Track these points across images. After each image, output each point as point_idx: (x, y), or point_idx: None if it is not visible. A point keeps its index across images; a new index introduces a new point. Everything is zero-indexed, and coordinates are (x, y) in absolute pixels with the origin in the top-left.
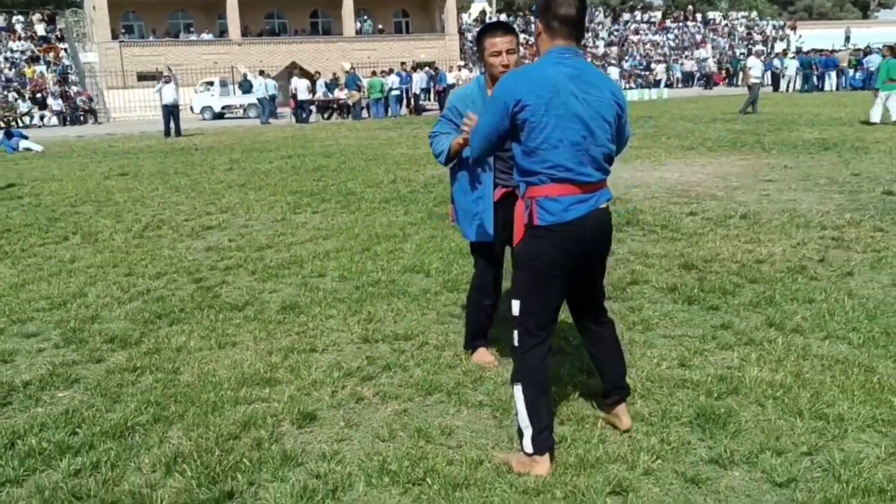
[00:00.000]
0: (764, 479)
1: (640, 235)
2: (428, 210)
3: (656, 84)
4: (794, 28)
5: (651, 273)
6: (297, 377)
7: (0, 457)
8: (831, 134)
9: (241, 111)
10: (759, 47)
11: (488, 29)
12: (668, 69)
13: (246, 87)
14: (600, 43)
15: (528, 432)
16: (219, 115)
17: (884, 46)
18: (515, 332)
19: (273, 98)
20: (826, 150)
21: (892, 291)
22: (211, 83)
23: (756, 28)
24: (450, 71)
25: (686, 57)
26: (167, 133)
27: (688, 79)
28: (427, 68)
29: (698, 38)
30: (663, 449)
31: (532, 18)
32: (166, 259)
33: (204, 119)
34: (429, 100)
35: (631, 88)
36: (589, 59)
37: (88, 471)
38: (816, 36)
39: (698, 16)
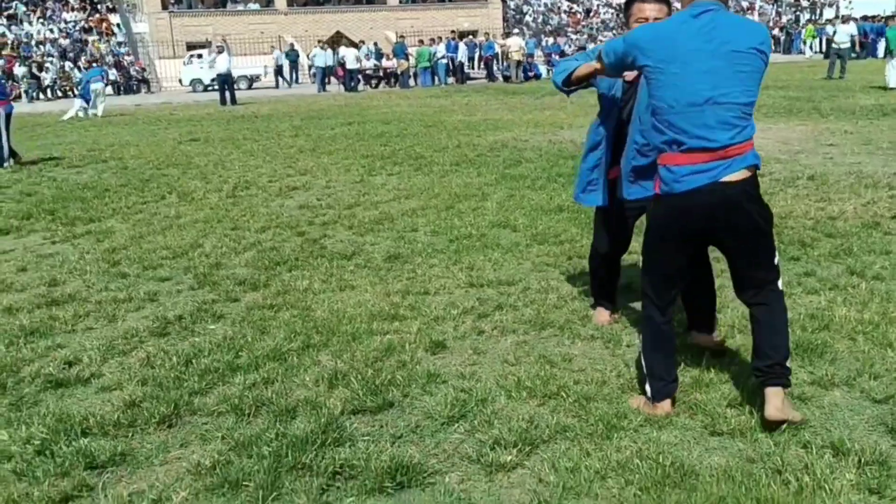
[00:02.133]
0: (863, 398)
1: None
2: (500, 172)
3: None
4: None
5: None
6: (419, 314)
7: (182, 373)
8: (888, 100)
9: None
10: (807, 15)
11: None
12: None
13: (293, 56)
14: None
15: (648, 380)
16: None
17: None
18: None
19: (330, 68)
20: (885, 116)
21: None
22: (200, 55)
23: None
24: (493, 38)
25: None
26: (223, 101)
27: None
28: (470, 37)
29: (745, 4)
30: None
31: None
32: (265, 215)
33: (195, 91)
34: (473, 68)
35: None
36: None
37: (261, 385)
38: (866, 2)
39: None
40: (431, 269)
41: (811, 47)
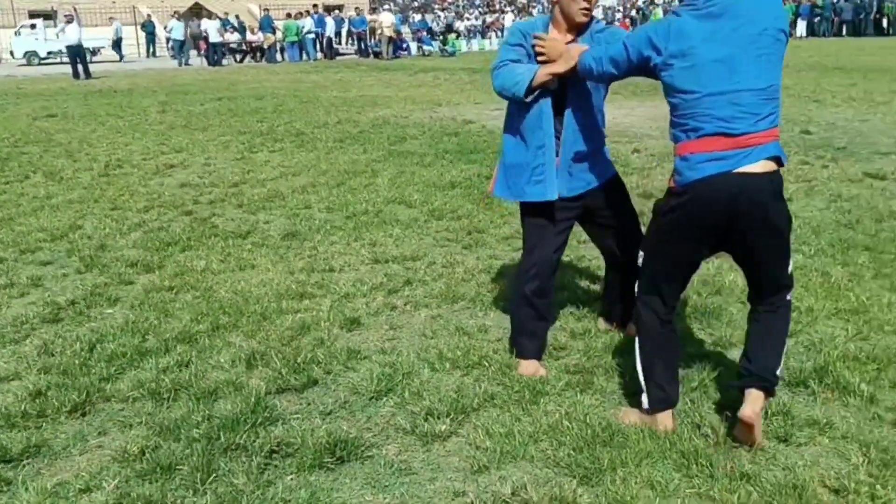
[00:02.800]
0: None
1: None
2: (386, 149)
3: None
4: None
5: None
6: (328, 292)
7: (87, 360)
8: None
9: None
10: None
11: None
12: None
13: (149, 27)
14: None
15: (645, 388)
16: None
17: None
18: (637, 283)
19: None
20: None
21: (828, 213)
22: (34, 25)
23: None
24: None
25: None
26: (76, 75)
27: None
28: (336, 11)
29: None
30: (684, 335)
31: None
32: (145, 195)
33: (30, 65)
34: (340, 43)
35: None
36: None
37: (175, 368)
38: None
39: None
40: (333, 247)
41: None
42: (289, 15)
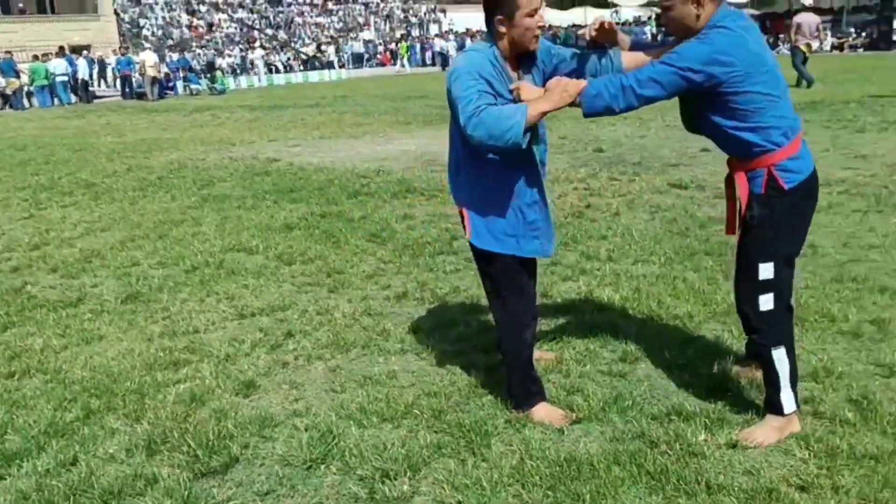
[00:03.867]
0: (670, 366)
1: (425, 200)
2: (196, 194)
3: (329, 66)
4: (444, 11)
5: (458, 227)
6: (204, 355)
7: None
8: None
9: None
10: (416, 31)
11: None
12: (338, 50)
13: None
14: (265, 26)
15: (788, 391)
16: None
17: None
18: (769, 295)
19: None
20: None
21: (656, 224)
22: None
23: (411, 11)
24: (115, 54)
25: (353, 38)
26: None
27: (357, 59)
28: (85, 52)
29: (361, 20)
30: (586, 355)
31: None
32: None
33: None
34: (98, 85)
35: (305, 70)
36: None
37: (60, 469)
38: (463, 18)
39: None
40: (185, 305)
41: (404, 62)
42: (35, 57)
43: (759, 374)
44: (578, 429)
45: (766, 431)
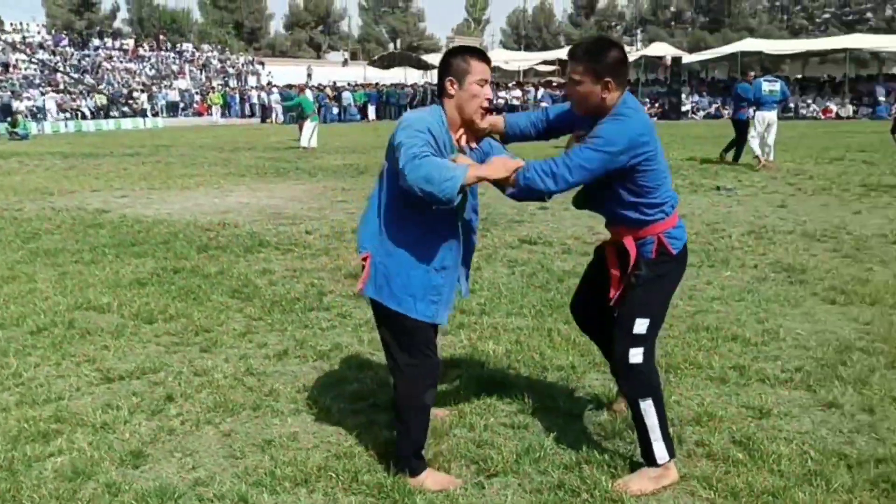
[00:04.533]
0: (562, 415)
1: (281, 254)
2: (22, 248)
3: (143, 113)
4: (262, 63)
5: (324, 282)
6: (77, 424)
7: None
8: (356, 160)
9: None
10: (234, 81)
11: (473, 51)
12: (151, 98)
13: None
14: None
15: (660, 442)
16: None
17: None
18: (640, 349)
19: None
20: (362, 174)
21: (516, 277)
22: None
23: (229, 62)
24: None
25: (167, 87)
26: None
27: (172, 108)
28: None
29: (175, 68)
30: (486, 409)
31: None
32: None
33: None
34: None
35: (116, 117)
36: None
37: None
38: (283, 72)
39: (170, 45)
40: (40, 370)
41: (213, 112)
42: None
43: (622, 408)
44: (497, 482)
45: (641, 482)
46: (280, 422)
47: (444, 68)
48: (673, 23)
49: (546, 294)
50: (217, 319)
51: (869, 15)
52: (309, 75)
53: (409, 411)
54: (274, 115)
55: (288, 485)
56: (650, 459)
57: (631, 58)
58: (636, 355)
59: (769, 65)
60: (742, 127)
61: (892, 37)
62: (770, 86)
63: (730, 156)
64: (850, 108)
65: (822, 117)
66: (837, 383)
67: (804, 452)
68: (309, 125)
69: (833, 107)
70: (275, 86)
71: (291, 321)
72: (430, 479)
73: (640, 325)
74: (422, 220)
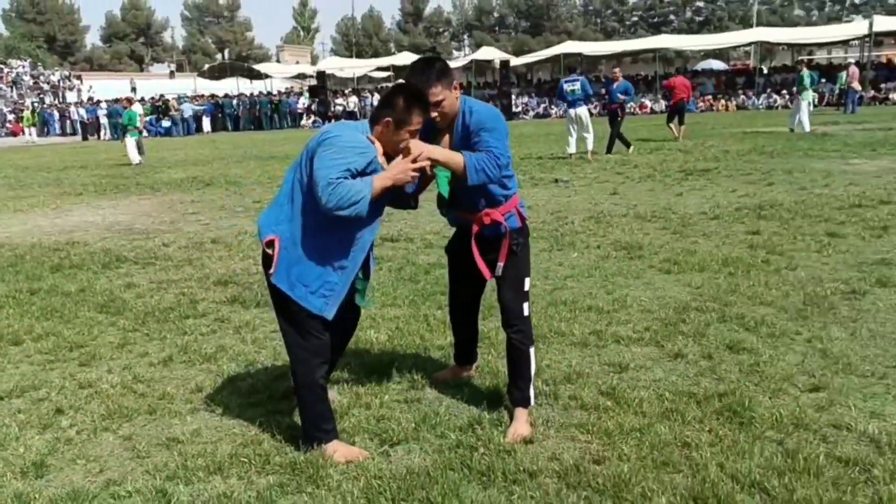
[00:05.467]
0: (447, 387)
1: (142, 268)
2: None
3: None
4: (79, 78)
5: (194, 291)
6: None
7: None
8: (198, 172)
9: None
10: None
11: (421, 101)
12: None
13: None
14: None
15: (532, 385)
16: None
17: None
18: (525, 304)
19: None
20: (208, 186)
21: (384, 272)
22: None
23: (42, 77)
24: None
25: None
26: None
27: None
28: None
29: None
30: (379, 389)
31: None
32: None
33: None
34: None
35: None
36: None
37: None
38: (105, 86)
39: None
40: None
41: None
42: None
43: (470, 373)
44: (400, 449)
45: (524, 425)
46: (180, 421)
47: (388, 105)
48: (497, 28)
49: (416, 285)
50: (90, 334)
51: (672, 17)
52: (133, 89)
53: (304, 388)
54: (103, 132)
55: (202, 474)
56: (526, 401)
57: (462, 62)
58: (527, 308)
59: (588, 65)
60: (612, 118)
61: (694, 36)
62: (570, 86)
63: (626, 148)
64: (662, 104)
65: (639, 112)
66: (680, 338)
67: (661, 395)
68: (130, 140)
69: (648, 102)
70: (102, 101)
71: (169, 329)
72: (338, 451)
73: (527, 283)
74: (331, 221)
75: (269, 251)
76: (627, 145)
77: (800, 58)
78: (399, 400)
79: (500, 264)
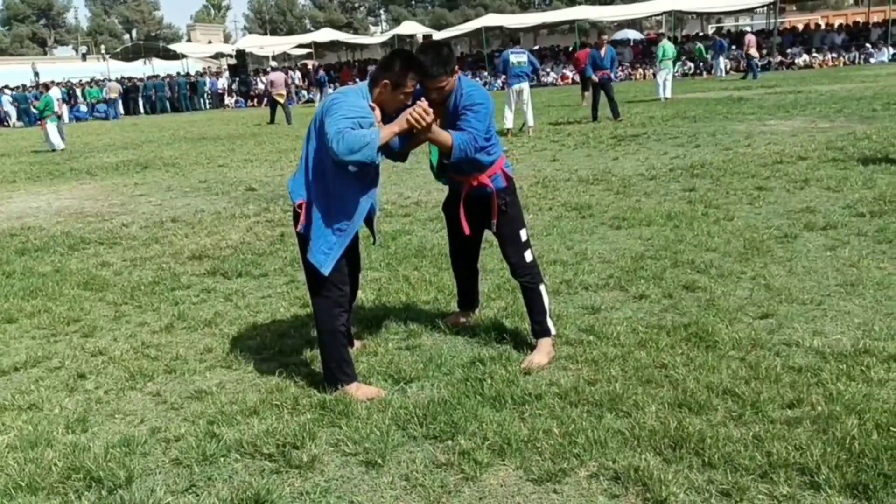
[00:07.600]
0: (444, 333)
1: (109, 248)
2: None
3: None
4: None
5: (171, 266)
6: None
7: None
8: (131, 156)
9: None
10: None
11: (421, 67)
12: None
13: None
14: None
15: (550, 318)
16: None
17: None
18: (530, 250)
19: None
20: (147, 169)
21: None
22: None
23: None
24: None
25: None
26: None
27: None
28: None
29: None
30: (380, 339)
31: None
32: None
33: None
34: None
35: None
36: None
37: None
38: (5, 72)
39: None
40: None
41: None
42: None
43: (470, 318)
44: (414, 385)
45: (542, 355)
46: (200, 377)
47: (387, 68)
48: (414, 2)
49: (388, 251)
50: (82, 309)
51: None
52: (36, 73)
53: (327, 333)
54: (10, 120)
55: (239, 418)
56: (546, 331)
57: (384, 38)
58: (529, 255)
59: (508, 38)
60: (595, 85)
61: (609, 7)
62: (517, 57)
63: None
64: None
65: (561, 83)
66: (641, 282)
67: (634, 329)
68: (51, 125)
69: (569, 73)
70: (6, 87)
71: (160, 301)
72: (360, 390)
73: (524, 234)
74: (341, 181)
75: (300, 211)
76: (595, 118)
77: (710, 26)
78: (401, 347)
79: (494, 221)
